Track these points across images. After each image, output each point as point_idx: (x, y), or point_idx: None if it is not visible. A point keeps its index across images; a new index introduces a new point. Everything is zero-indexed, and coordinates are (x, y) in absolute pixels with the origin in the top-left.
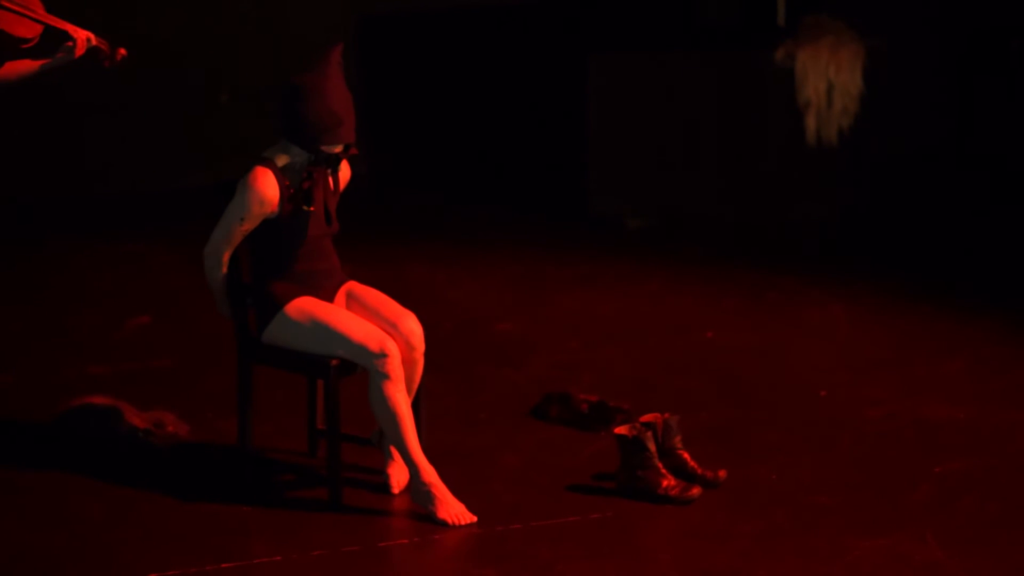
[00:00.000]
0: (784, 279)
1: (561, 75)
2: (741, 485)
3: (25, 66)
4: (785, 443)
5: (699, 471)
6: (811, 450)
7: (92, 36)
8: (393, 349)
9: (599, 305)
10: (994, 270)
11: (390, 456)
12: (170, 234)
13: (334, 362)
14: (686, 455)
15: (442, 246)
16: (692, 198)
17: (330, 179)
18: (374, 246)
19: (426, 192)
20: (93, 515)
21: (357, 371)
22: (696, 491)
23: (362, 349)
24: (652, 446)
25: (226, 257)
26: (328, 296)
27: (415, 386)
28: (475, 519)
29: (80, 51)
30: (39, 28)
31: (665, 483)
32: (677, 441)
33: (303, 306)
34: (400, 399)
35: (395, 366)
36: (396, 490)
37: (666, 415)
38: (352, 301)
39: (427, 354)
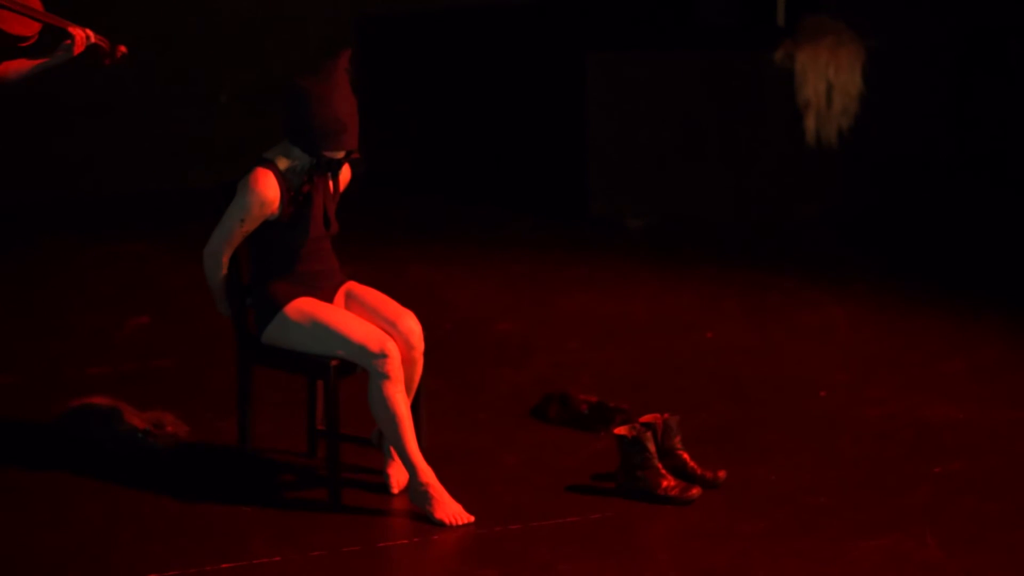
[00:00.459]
0: (784, 279)
1: (561, 75)
2: (741, 485)
3: (24, 65)
4: (785, 443)
5: (699, 471)
6: (811, 450)
7: (91, 33)
8: (393, 349)
9: (599, 305)
10: (994, 270)
11: (390, 456)
12: (170, 234)
13: (334, 362)
14: (686, 455)
15: (442, 246)
16: (692, 198)
17: (330, 182)
18: (374, 246)
19: (426, 192)
20: (93, 515)
21: (357, 371)
22: (696, 491)
23: (362, 349)
24: (652, 446)
25: (226, 258)
26: (327, 297)
27: (415, 386)
28: (472, 519)
29: (79, 49)
30: (37, 26)
31: (665, 483)
32: (677, 441)
33: (303, 306)
34: (399, 399)
35: (395, 366)
36: (396, 490)
37: (666, 415)
38: (351, 301)
39: (427, 354)
